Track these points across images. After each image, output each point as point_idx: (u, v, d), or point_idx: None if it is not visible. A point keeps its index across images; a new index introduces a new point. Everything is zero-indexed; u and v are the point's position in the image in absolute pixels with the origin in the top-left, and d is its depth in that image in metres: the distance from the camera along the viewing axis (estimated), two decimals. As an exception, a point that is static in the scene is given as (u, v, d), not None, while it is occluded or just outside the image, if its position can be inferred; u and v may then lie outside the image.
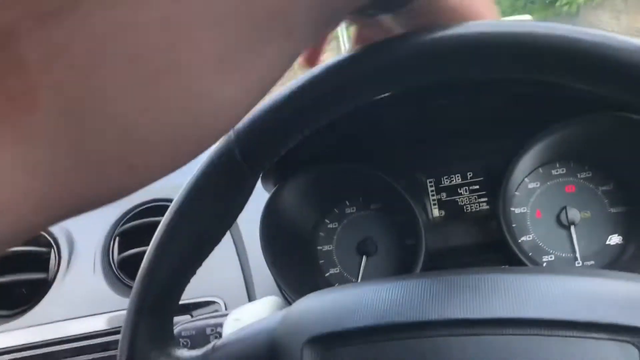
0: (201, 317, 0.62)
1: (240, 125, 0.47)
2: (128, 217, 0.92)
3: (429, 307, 0.39)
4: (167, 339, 0.49)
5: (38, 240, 0.93)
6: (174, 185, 0.96)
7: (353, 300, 0.43)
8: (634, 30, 16.40)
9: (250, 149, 0.47)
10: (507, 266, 0.45)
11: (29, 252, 0.91)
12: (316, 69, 0.44)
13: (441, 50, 0.40)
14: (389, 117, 0.78)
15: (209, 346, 0.49)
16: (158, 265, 0.49)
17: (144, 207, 0.93)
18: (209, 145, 0.29)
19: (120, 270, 0.89)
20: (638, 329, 0.35)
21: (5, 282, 0.90)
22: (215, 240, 0.51)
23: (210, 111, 0.26)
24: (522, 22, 0.40)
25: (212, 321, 0.61)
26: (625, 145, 0.76)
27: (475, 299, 0.39)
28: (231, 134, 0.47)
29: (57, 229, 0.93)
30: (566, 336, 0.37)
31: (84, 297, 0.87)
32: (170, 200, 0.91)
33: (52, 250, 0.92)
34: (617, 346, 0.36)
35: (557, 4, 21.21)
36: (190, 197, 0.49)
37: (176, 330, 0.62)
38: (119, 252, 0.90)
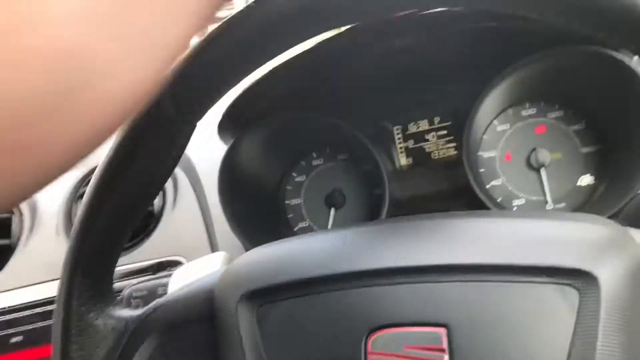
0: (152, 277, 0.60)
1: (169, 73, 0.44)
2: (89, 179, 0.90)
3: (362, 257, 0.37)
4: (107, 298, 0.47)
5: None
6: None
7: (288, 254, 0.41)
8: None
9: (183, 98, 0.44)
10: (453, 212, 0.42)
11: None
12: (243, 8, 0.41)
13: None
14: (350, 62, 0.75)
15: (151, 305, 0.47)
16: (91, 222, 0.46)
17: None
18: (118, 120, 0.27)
19: None
20: (578, 270, 0.33)
21: None
22: (150, 195, 0.48)
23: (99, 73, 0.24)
24: None
25: (164, 280, 0.60)
26: (596, 81, 0.73)
27: (412, 246, 0.37)
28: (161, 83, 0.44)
29: None
30: (505, 281, 0.35)
31: (47, 261, 0.86)
32: None
33: (14, 216, 0.90)
34: (557, 289, 0.34)
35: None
36: (121, 152, 0.46)
37: (127, 291, 0.61)
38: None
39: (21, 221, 0.89)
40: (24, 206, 0.90)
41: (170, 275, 0.62)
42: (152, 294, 0.58)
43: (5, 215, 0.90)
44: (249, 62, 0.43)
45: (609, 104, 0.74)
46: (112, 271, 0.48)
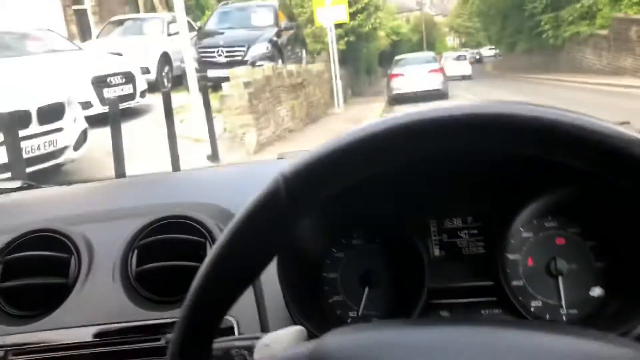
0: (226, 338, 0.67)
1: (288, 169, 0.54)
2: (147, 231, 0.97)
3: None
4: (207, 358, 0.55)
5: (59, 246, 0.97)
6: (191, 204, 1.02)
7: (379, 342, 0.49)
8: (613, 67, 16.87)
9: (297, 193, 0.53)
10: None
11: (49, 257, 0.96)
12: (355, 134, 0.52)
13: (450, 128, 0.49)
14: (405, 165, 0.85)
15: None
16: (207, 290, 0.55)
17: (163, 222, 0.98)
18: None
19: (138, 283, 0.95)
20: None
21: (26, 284, 0.94)
22: (258, 272, 0.57)
23: None
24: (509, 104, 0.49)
25: (237, 343, 0.67)
26: (609, 207, 0.85)
27: None
28: (279, 177, 0.54)
29: (78, 237, 0.98)
30: None
31: (102, 305, 0.92)
32: (186, 218, 0.97)
33: (73, 256, 0.97)
34: None
35: (544, 36, 21.69)
36: (239, 232, 0.55)
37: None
38: (137, 265, 0.95)
39: (79, 263, 0.96)
40: (82, 248, 0.97)
41: (237, 338, 0.70)
42: (226, 354, 0.65)
43: (64, 255, 0.97)
44: (354, 174, 0.54)
45: (622, 227, 0.85)
46: (215, 334, 0.56)
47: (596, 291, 0.88)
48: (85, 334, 0.90)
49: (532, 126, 0.47)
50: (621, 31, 16.23)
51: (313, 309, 0.91)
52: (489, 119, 0.48)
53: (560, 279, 0.88)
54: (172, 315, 0.90)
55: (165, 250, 0.95)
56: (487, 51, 47.96)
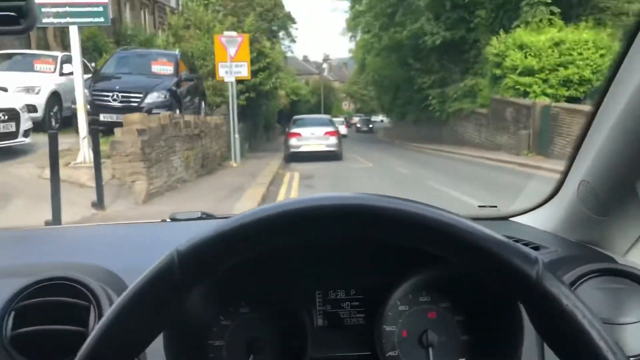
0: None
1: (183, 247, 0.57)
2: (27, 292, 0.94)
3: None
4: None
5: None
6: (75, 264, 1.00)
7: None
8: (491, 143, 18.44)
9: (190, 270, 0.57)
10: None
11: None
12: (247, 217, 0.57)
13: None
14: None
15: None
16: (96, 353, 0.56)
17: (47, 284, 0.95)
18: None
19: (13, 347, 0.90)
20: None
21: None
22: (146, 345, 0.59)
23: None
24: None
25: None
26: (473, 286, 0.95)
27: None
28: (174, 253, 0.57)
29: None
30: None
31: None
32: (71, 280, 0.95)
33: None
34: None
35: (431, 109, 23.29)
36: (130, 305, 0.57)
37: None
38: (13, 328, 0.91)
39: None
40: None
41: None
42: None
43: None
44: (246, 253, 0.59)
45: (485, 305, 0.95)
46: None
47: None
48: None
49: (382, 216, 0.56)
50: (499, 111, 17.84)
51: None
52: (359, 209, 0.56)
53: (430, 350, 0.96)
54: None
55: (46, 313, 0.92)
56: (377, 118, 51.54)
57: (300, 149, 16.78)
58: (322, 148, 16.69)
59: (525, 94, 16.39)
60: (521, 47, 16.57)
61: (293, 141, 17.07)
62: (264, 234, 0.57)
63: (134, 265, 1.01)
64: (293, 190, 10.49)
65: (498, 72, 17.41)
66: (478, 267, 0.58)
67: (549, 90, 16.03)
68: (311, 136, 16.91)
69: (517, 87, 16.56)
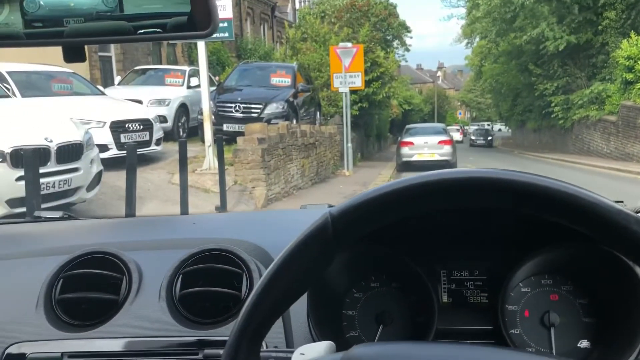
0: (266, 350, 0.79)
1: (335, 209, 0.67)
2: (192, 260, 1.10)
3: None
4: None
5: (113, 267, 1.11)
6: (228, 240, 1.15)
7: (400, 354, 0.61)
8: (620, 152, 17.19)
9: (341, 230, 0.67)
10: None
11: (104, 276, 1.09)
12: (392, 185, 0.66)
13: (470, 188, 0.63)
14: (423, 220, 0.99)
15: None
16: (259, 304, 0.67)
17: (205, 254, 1.11)
18: None
19: (181, 304, 1.07)
20: None
21: (83, 297, 1.07)
22: (301, 292, 0.70)
23: None
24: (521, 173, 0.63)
25: (274, 354, 0.79)
26: (598, 269, 0.98)
27: None
28: (328, 215, 0.67)
29: (130, 260, 1.11)
30: None
31: (148, 321, 1.04)
32: (226, 251, 1.09)
33: (124, 277, 1.10)
34: None
35: (553, 116, 22.18)
36: (289, 259, 0.68)
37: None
38: (181, 289, 1.08)
39: (129, 283, 1.09)
40: (134, 271, 1.10)
41: (274, 351, 0.82)
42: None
43: (118, 274, 1.10)
44: (388, 218, 0.67)
45: (609, 287, 0.98)
46: (261, 343, 0.68)
47: (584, 343, 1.00)
48: (132, 345, 1.02)
49: (528, 190, 0.61)
50: (630, 118, 16.63)
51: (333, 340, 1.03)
52: (494, 182, 0.62)
53: (552, 330, 1.00)
54: (210, 334, 1.02)
55: (205, 278, 1.08)
56: (495, 126, 47.59)
57: (413, 158, 16.66)
58: (435, 157, 16.44)
59: (660, 100, 15.17)
60: (655, 49, 15.39)
61: (405, 150, 17.00)
62: (407, 201, 0.65)
63: (277, 241, 1.15)
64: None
65: (630, 76, 16.26)
66: (603, 237, 0.63)
67: (688, 95, 14.73)
68: (424, 145, 16.73)
69: (651, 92, 15.38)
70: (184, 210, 6.10)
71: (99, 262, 1.11)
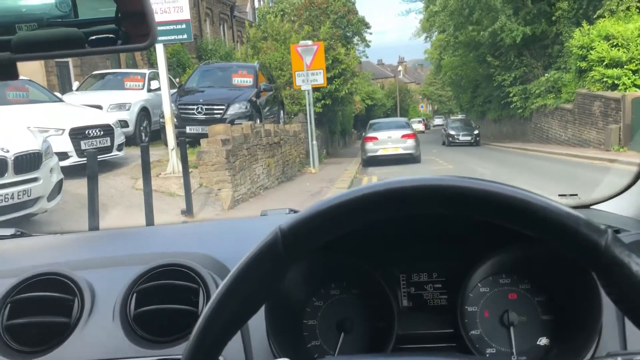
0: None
1: (285, 224, 0.66)
2: (146, 277, 1.08)
3: None
4: None
5: (63, 289, 1.07)
6: (183, 254, 1.13)
7: None
8: (577, 139, 17.65)
9: (291, 245, 0.66)
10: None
11: (54, 298, 1.05)
12: (344, 197, 0.65)
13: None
14: (379, 225, 0.98)
15: None
16: (212, 320, 0.66)
17: (160, 269, 1.08)
18: None
19: (136, 324, 1.04)
20: None
21: (31, 322, 1.03)
22: (257, 306, 0.68)
23: None
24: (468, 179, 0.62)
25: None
26: (554, 267, 0.99)
27: None
28: (278, 230, 0.66)
29: (81, 280, 1.08)
30: None
31: (101, 343, 1.01)
32: (182, 266, 1.07)
33: (76, 298, 1.06)
34: None
35: (512, 106, 22.61)
36: (241, 275, 0.67)
37: None
38: (136, 307, 1.05)
39: (82, 304, 1.05)
40: (86, 292, 1.06)
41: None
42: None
43: (69, 296, 1.06)
44: (339, 230, 0.66)
45: (565, 285, 0.99)
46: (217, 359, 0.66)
47: (543, 341, 1.01)
48: None
49: (473, 196, 0.61)
50: (585, 105, 17.06)
51: (292, 353, 1.01)
52: (446, 190, 0.62)
53: (512, 329, 1.01)
54: (168, 353, 0.99)
55: (160, 295, 1.05)
56: (455, 117, 47.34)
57: (378, 153, 16.77)
58: (400, 151, 16.59)
59: (614, 87, 15.59)
60: (607, 37, 15.79)
61: (370, 145, 17.09)
62: (357, 212, 0.64)
63: (234, 252, 1.13)
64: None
65: (583, 65, 16.67)
66: (551, 239, 0.63)
67: (640, 82, 15.18)
68: (388, 140, 16.85)
69: (605, 79, 15.78)
70: (149, 220, 5.99)
71: (49, 284, 1.07)
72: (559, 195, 1.51)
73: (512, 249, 1.00)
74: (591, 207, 1.37)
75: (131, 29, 0.82)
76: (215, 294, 0.66)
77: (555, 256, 0.96)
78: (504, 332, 1.02)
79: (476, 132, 24.39)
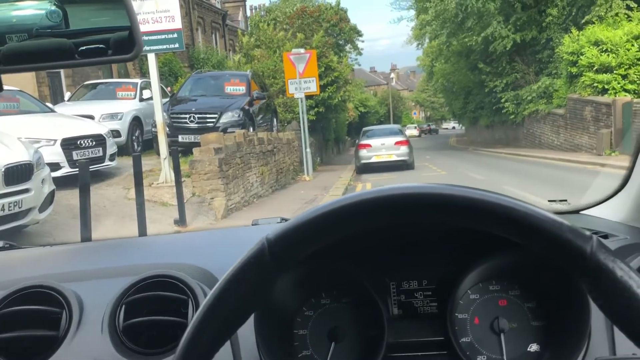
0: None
1: (272, 234, 0.66)
2: (134, 288, 1.07)
3: None
4: None
5: (51, 302, 1.06)
6: (172, 265, 1.12)
7: None
8: (569, 144, 17.74)
9: (279, 255, 0.65)
10: None
11: (42, 311, 1.04)
12: (329, 206, 0.65)
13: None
14: (368, 233, 0.98)
15: None
16: (200, 331, 0.65)
17: (149, 281, 1.07)
18: None
19: (125, 336, 1.03)
20: None
21: (19, 336, 1.02)
22: (245, 317, 0.68)
23: None
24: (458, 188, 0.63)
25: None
26: (543, 273, 0.99)
27: None
28: (264, 240, 0.66)
29: (69, 293, 1.07)
30: None
31: (90, 356, 1.00)
32: (170, 277, 1.06)
33: (64, 311, 1.05)
34: None
35: (504, 112, 22.72)
36: (228, 286, 0.66)
37: None
38: (124, 319, 1.04)
39: (69, 317, 1.04)
40: (74, 304, 1.05)
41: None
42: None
43: (56, 309, 1.05)
44: (327, 240, 0.66)
45: (554, 291, 0.99)
46: None
47: (533, 347, 1.01)
48: None
49: (461, 204, 0.61)
50: (577, 110, 17.16)
51: None
52: (431, 198, 0.62)
53: (502, 336, 1.00)
54: None
55: (149, 307, 1.04)
56: (448, 125, 47.46)
57: (371, 160, 16.80)
58: (393, 158, 16.63)
59: (604, 92, 15.70)
60: (596, 43, 15.92)
61: (363, 152, 17.12)
62: (345, 220, 0.64)
63: (224, 263, 1.12)
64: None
65: (574, 70, 16.79)
66: (537, 246, 0.63)
67: (630, 86, 15.28)
68: (381, 147, 16.89)
69: (595, 84, 15.90)
70: (142, 230, 5.96)
71: (36, 297, 1.06)
72: (549, 200, 1.51)
73: (501, 256, 1.00)
74: (580, 212, 1.37)
75: (117, 40, 0.81)
76: (202, 304, 0.66)
77: (544, 262, 0.96)
78: (494, 339, 1.01)
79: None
